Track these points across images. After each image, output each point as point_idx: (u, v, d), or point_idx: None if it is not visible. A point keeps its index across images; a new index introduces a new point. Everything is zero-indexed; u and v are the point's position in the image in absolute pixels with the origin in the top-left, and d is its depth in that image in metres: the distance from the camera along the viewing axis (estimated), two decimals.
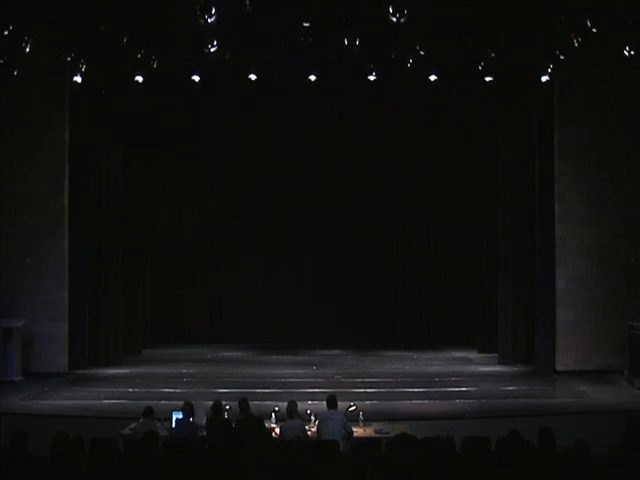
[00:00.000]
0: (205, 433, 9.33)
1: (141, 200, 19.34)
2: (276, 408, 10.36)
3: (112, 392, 13.97)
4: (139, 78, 14.73)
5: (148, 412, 9.62)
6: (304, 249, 20.56)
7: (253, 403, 10.19)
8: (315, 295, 20.63)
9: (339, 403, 9.85)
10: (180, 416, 9.59)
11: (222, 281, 20.97)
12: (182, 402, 9.93)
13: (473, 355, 18.69)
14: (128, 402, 12.90)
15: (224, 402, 9.92)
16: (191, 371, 16.52)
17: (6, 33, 12.06)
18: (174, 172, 20.79)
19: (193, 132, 20.09)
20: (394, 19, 11.53)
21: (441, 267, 21.04)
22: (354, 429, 9.67)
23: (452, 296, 20.42)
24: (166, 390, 14.08)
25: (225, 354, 19.17)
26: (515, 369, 16.61)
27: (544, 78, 14.82)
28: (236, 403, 9.96)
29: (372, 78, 15.08)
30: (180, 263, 20.72)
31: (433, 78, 15.20)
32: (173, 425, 9.64)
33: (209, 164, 20.62)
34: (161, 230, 20.56)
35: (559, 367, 16.00)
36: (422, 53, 13.87)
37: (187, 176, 20.83)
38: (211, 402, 9.82)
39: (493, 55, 13.97)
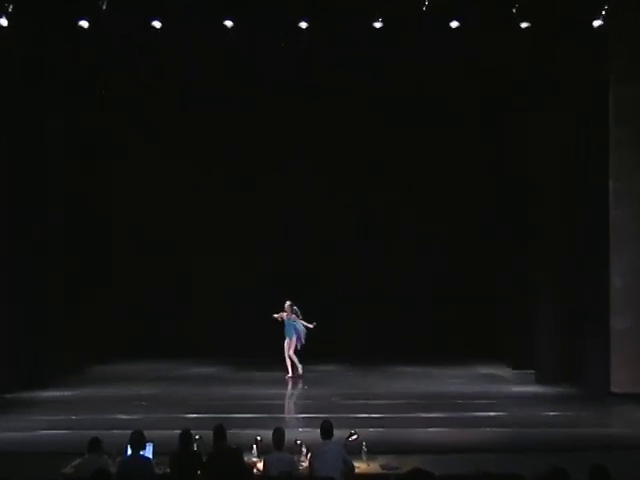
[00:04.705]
0: (166, 470, 9.28)
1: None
2: (258, 438, 10.36)
3: (51, 421, 13.93)
4: None
5: (94, 445, 9.52)
6: (304, 249, 21.52)
7: (230, 432, 10.13)
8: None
9: (336, 431, 9.84)
10: (129, 451, 9.49)
11: (190, 282, 21.47)
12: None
13: (504, 371, 18.90)
14: (71, 432, 12.83)
15: (193, 431, 9.85)
16: (152, 392, 16.60)
17: None
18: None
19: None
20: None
21: (461, 262, 21.46)
22: (355, 464, 9.69)
23: (476, 299, 20.62)
24: (120, 417, 14.07)
25: (195, 370, 19.34)
26: (557, 390, 16.73)
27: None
28: (209, 432, 9.90)
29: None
30: (138, 257, 21.14)
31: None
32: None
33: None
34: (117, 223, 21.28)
35: (614, 388, 15.94)
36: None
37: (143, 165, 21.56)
38: (178, 431, 9.75)
39: None
